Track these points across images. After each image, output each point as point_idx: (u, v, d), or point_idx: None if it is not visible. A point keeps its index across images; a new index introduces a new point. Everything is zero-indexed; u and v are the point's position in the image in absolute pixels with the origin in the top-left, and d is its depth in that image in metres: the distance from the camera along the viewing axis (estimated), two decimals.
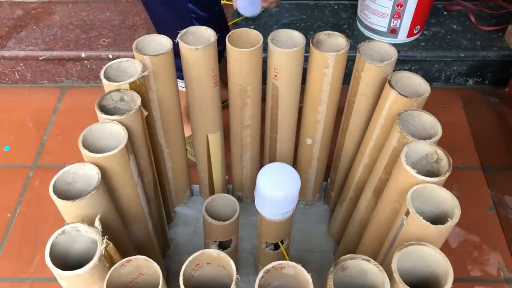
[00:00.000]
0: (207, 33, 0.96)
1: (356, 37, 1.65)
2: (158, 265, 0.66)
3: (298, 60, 0.97)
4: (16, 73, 1.66)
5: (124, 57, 0.92)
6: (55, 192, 0.72)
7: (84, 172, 0.76)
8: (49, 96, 1.66)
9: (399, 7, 1.50)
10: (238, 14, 1.56)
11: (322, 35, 0.98)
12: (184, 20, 1.15)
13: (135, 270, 0.68)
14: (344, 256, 0.67)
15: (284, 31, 0.97)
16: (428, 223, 0.69)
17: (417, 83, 0.90)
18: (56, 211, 0.75)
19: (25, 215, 1.31)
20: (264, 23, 1.70)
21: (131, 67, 0.91)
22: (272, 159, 1.18)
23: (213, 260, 0.69)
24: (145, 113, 0.89)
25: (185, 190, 1.32)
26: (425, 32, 1.67)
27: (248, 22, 1.70)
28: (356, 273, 0.68)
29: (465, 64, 1.65)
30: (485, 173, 1.42)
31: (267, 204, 0.90)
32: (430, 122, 0.84)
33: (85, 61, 1.63)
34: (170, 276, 1.16)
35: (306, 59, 0.99)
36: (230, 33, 0.95)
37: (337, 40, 0.96)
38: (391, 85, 0.88)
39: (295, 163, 1.24)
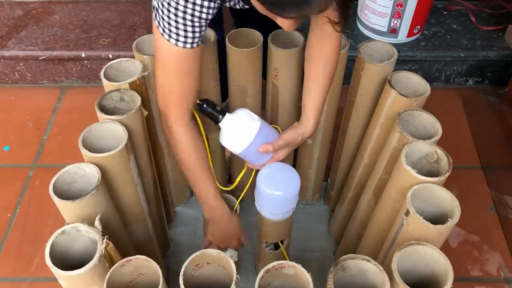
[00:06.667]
0: (207, 33, 0.96)
1: (356, 37, 1.65)
2: (158, 265, 0.66)
3: (298, 60, 0.97)
4: (16, 73, 1.66)
5: (124, 57, 0.92)
6: (55, 192, 0.72)
7: (84, 172, 0.76)
8: (49, 96, 1.66)
9: (399, 7, 1.50)
10: None
11: None
12: None
13: (135, 270, 0.68)
14: (344, 256, 0.67)
15: (284, 31, 0.97)
16: (428, 223, 0.69)
17: (417, 83, 0.90)
18: (56, 211, 0.75)
19: (25, 215, 1.31)
20: None
21: (131, 67, 0.91)
22: None
23: (213, 260, 0.69)
24: (145, 113, 0.89)
25: (185, 190, 1.32)
26: (425, 32, 1.67)
27: None
28: (356, 273, 0.68)
29: (465, 64, 1.65)
30: (485, 173, 1.42)
31: (267, 204, 0.90)
32: (430, 122, 0.84)
33: (85, 61, 1.63)
34: (170, 276, 1.16)
35: None
36: (230, 33, 0.95)
37: None
38: (391, 85, 0.88)
39: (295, 163, 1.24)
